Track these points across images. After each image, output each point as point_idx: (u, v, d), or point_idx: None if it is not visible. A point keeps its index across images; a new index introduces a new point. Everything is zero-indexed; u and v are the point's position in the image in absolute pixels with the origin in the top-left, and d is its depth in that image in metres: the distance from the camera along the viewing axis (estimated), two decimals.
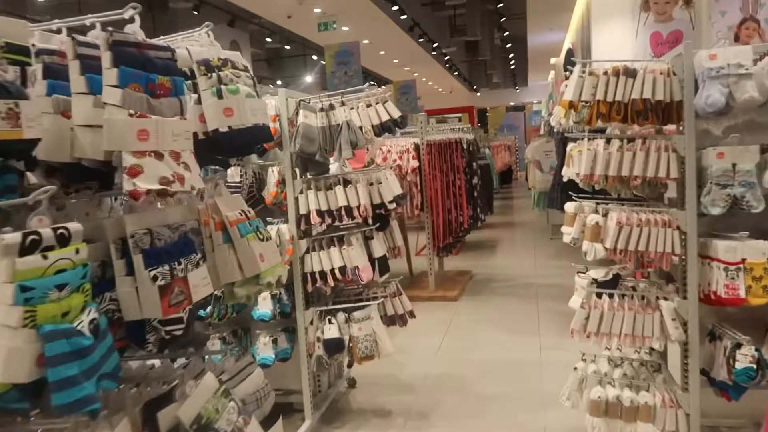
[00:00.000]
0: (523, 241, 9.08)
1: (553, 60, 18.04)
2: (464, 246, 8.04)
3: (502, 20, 13.30)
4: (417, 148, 6.04)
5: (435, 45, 14.08)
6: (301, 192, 3.23)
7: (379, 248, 3.40)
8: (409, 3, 12.20)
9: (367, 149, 6.72)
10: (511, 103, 26.00)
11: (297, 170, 3.24)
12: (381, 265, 3.41)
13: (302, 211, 3.22)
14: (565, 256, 8.22)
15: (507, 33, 14.52)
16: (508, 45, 16.33)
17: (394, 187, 3.45)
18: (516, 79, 23.05)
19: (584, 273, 3.30)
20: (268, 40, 13.15)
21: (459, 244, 6.57)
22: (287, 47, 13.64)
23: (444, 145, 6.06)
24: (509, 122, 23.70)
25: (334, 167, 4.96)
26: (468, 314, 5.50)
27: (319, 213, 3.19)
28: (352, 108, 3.38)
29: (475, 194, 6.35)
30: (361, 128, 3.30)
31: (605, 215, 2.86)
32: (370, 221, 3.35)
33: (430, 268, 6.16)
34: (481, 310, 5.58)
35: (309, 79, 16.63)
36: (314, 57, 14.01)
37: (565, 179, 3.29)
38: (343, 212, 3.18)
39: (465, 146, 6.20)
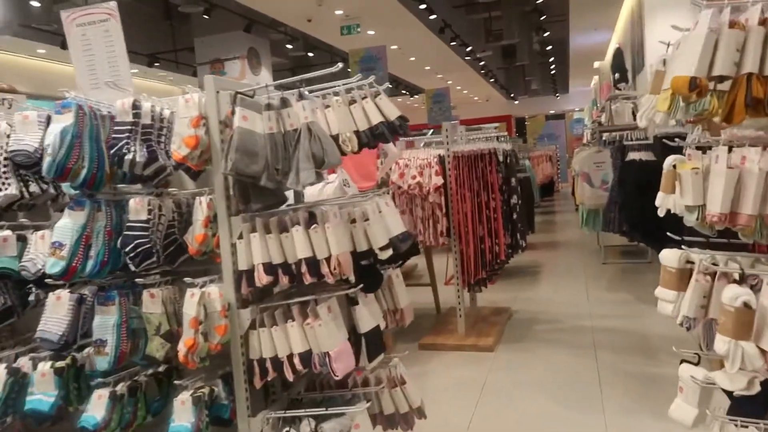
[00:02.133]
0: (571, 266, 7.69)
1: (596, 64, 16.59)
2: (501, 272, 6.75)
3: (541, 20, 11.95)
4: (442, 161, 4.80)
5: (469, 49, 12.81)
6: (241, 236, 2.03)
7: (367, 318, 2.17)
8: (439, 4, 10.99)
9: (380, 163, 5.51)
10: (551, 111, 24.43)
11: (234, 202, 2.05)
12: (371, 343, 2.18)
13: (243, 265, 2.02)
14: (623, 287, 6.82)
15: (547, 34, 13.14)
16: (548, 48, 14.93)
17: (391, 224, 2.21)
18: (556, 86, 21.53)
19: (695, 364, 1.99)
20: (289, 46, 12.11)
21: (495, 276, 5.31)
22: (311, 54, 12.57)
23: (475, 158, 4.80)
24: (549, 131, 22.14)
25: (329, 188, 3.78)
26: (507, 372, 4.20)
27: (269, 269, 1.99)
28: (328, 106, 2.18)
29: (515, 216, 5.06)
30: (335, 136, 2.10)
31: (757, 289, 1.56)
32: (351, 278, 2.13)
33: (459, 307, 4.89)
34: (523, 367, 4.28)
35: None
36: (340, 65, 12.90)
37: (662, 211, 2.01)
38: (304, 268, 1.97)
39: (501, 158, 4.92)
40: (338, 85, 2.16)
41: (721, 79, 1.49)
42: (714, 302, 1.69)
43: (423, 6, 9.57)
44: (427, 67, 15.67)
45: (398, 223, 2.26)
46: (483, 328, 5.05)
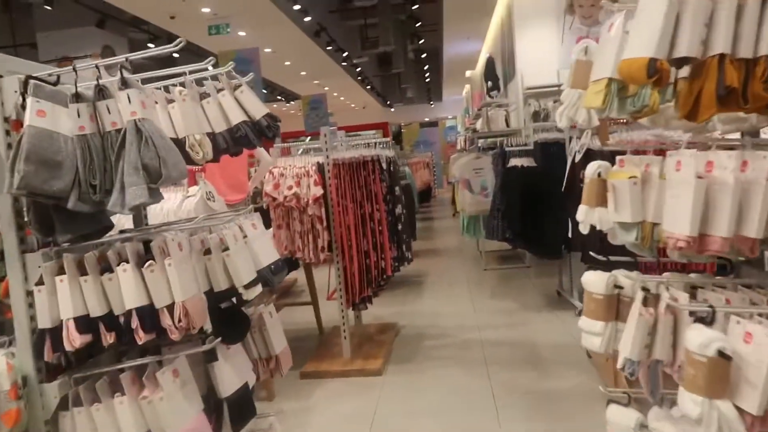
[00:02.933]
0: (454, 274, 7.53)
1: (468, 73, 16.96)
2: (390, 280, 6.40)
3: (416, 27, 11.89)
4: (321, 169, 4.32)
5: (345, 54, 12.47)
6: (42, 281, 1.43)
7: (230, 377, 1.64)
8: (314, 7, 10.54)
9: (252, 172, 4.94)
10: (426, 119, 24.85)
11: (29, 231, 1.45)
12: (236, 408, 1.65)
13: (45, 322, 1.42)
14: (506, 294, 6.70)
15: (422, 42, 13.15)
16: (423, 56, 15.00)
17: (261, 251, 1.70)
18: (430, 94, 21.89)
19: (625, 405, 1.68)
20: (151, 45, 11.05)
21: (380, 291, 4.94)
22: (176, 55, 11.58)
23: (357, 165, 4.38)
24: (424, 138, 22.45)
25: (189, 203, 3.19)
26: (399, 399, 3.80)
27: (85, 325, 1.41)
28: (171, 101, 1.63)
29: (400, 227, 4.71)
30: (182, 140, 1.56)
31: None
32: (207, 326, 1.60)
33: (343, 328, 4.44)
34: (415, 391, 3.91)
35: None
36: (211, 68, 12.00)
37: (584, 227, 1.67)
38: (136, 322, 1.41)
39: (385, 166, 4.55)
40: (184, 73, 1.62)
41: (680, 62, 1.17)
42: (661, 339, 1.37)
43: (297, 7, 9.06)
44: (303, 72, 15.16)
45: (269, 249, 1.76)
46: (370, 349, 4.64)
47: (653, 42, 1.13)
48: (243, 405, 1.67)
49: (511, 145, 5.49)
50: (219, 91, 1.65)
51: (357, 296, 4.32)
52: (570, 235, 3.71)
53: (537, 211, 5.13)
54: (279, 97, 17.30)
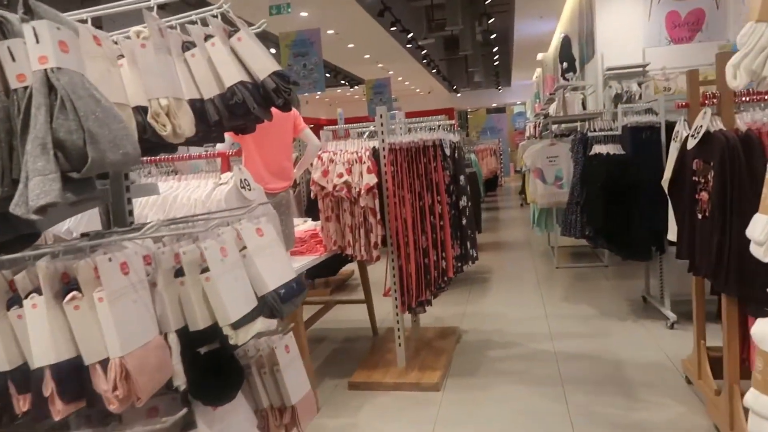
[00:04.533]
0: (522, 271, 6.84)
1: (540, 56, 15.94)
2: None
3: (486, 4, 11.09)
4: (376, 155, 3.77)
5: (410, 36, 11.83)
6: None
7: None
8: None
9: (296, 159, 4.43)
10: (493, 105, 23.86)
11: None
12: None
13: None
14: (581, 297, 5.91)
15: (491, 22, 12.32)
16: (492, 37, 14.13)
17: (268, 270, 1.17)
18: (499, 78, 20.87)
19: None
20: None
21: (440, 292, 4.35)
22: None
23: (417, 151, 3.80)
24: (491, 124, 21.56)
25: (220, 192, 2.74)
26: (458, 421, 3.22)
27: None
28: (121, 56, 1.11)
29: (464, 222, 4.10)
30: (142, 109, 1.03)
31: None
32: (180, 381, 1.09)
33: (398, 334, 3.90)
34: (477, 413, 3.32)
35: None
36: (272, 51, 11.67)
37: (765, 254, 1.04)
38: (51, 385, 0.90)
39: (448, 152, 3.94)
40: (150, 3, 1.08)
41: None
42: None
43: None
44: (367, 56, 14.63)
45: (281, 264, 1.23)
46: (427, 357, 4.08)
47: None
48: None
49: (595, 130, 4.74)
50: (207, 38, 1.13)
51: (414, 299, 3.76)
52: (672, 237, 3.01)
53: (624, 205, 4.39)
54: (342, 82, 16.85)
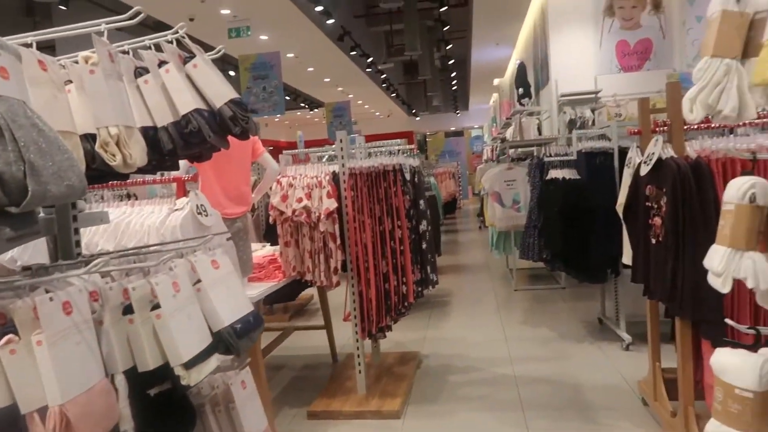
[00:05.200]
0: (482, 294, 6.88)
1: (496, 81, 16.32)
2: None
3: (444, 31, 11.31)
4: (336, 179, 3.75)
5: (370, 60, 11.94)
6: None
7: None
8: (338, 10, 10.03)
9: (255, 183, 4.36)
10: (452, 128, 24.23)
11: None
12: None
13: None
14: (540, 320, 5.93)
15: (449, 48, 12.56)
16: (450, 62, 14.40)
17: (224, 304, 1.12)
18: (457, 102, 21.24)
19: None
20: None
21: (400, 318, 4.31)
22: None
23: (377, 176, 3.79)
24: (450, 148, 21.84)
25: (175, 219, 2.65)
26: None
27: None
28: (69, 81, 1.05)
29: (424, 246, 4.10)
30: (90, 137, 0.98)
31: None
32: (127, 429, 1.02)
33: (357, 361, 3.84)
34: None
35: None
36: (231, 73, 11.57)
37: (724, 285, 1.05)
38: None
39: (408, 176, 3.95)
40: (100, 28, 1.04)
41: None
42: None
43: (320, 8, 8.55)
44: (327, 79, 14.68)
45: (236, 298, 1.18)
46: (388, 384, 4.03)
47: None
48: None
49: (550, 155, 4.84)
50: (161, 64, 1.09)
51: (374, 325, 3.71)
52: (626, 261, 3.07)
53: (580, 229, 4.47)
54: (302, 104, 16.84)
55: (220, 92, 1.13)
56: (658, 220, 2.59)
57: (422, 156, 14.97)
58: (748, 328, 1.06)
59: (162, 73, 1.11)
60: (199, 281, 1.14)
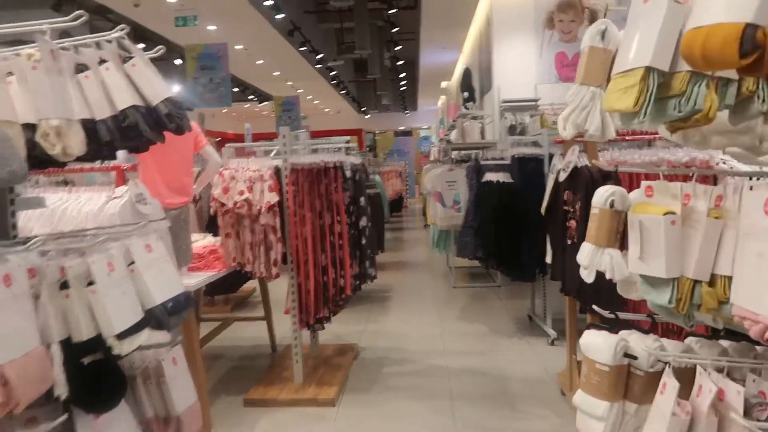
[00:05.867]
0: (422, 290, 7.10)
1: (444, 83, 16.65)
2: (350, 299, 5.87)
3: (393, 32, 11.49)
4: (278, 174, 3.85)
5: (320, 57, 12.00)
6: None
7: None
8: (288, 6, 10.05)
9: (199, 174, 4.41)
10: (401, 128, 24.50)
11: None
12: None
13: None
14: (475, 316, 6.24)
15: (398, 48, 12.75)
16: (399, 63, 14.61)
17: (153, 285, 1.23)
18: (405, 102, 21.51)
19: None
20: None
21: (338, 309, 4.45)
22: (142, 45, 10.94)
23: (318, 172, 3.91)
24: (398, 147, 22.12)
25: (113, 207, 2.70)
26: None
27: None
28: (10, 74, 1.14)
29: (364, 242, 4.24)
30: (31, 126, 1.08)
31: None
32: (61, 390, 1.12)
33: (295, 350, 3.96)
34: (370, 429, 3.45)
35: (175, 89, 13.87)
36: (177, 61, 11.39)
37: (589, 276, 1.24)
38: None
39: (349, 174, 4.09)
40: (43, 27, 1.13)
41: None
42: None
43: (270, 2, 8.57)
44: (276, 73, 14.63)
45: (170, 279, 1.29)
46: (325, 373, 4.16)
47: (753, 3, 0.69)
48: None
49: (487, 159, 5.08)
50: (101, 62, 1.18)
51: (312, 316, 3.84)
52: (548, 260, 3.30)
53: (512, 230, 4.72)
54: (251, 97, 16.71)
55: (157, 91, 1.23)
56: (573, 223, 2.82)
57: (370, 154, 15.13)
58: (610, 313, 1.25)
59: (102, 70, 1.20)
60: (133, 263, 1.24)
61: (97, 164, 3.49)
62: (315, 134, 12.26)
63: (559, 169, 3.05)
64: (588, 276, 1.23)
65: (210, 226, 5.25)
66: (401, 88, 18.50)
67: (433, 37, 11.60)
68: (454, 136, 10.05)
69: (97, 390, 1.16)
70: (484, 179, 4.97)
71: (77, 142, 1.13)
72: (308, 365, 4.25)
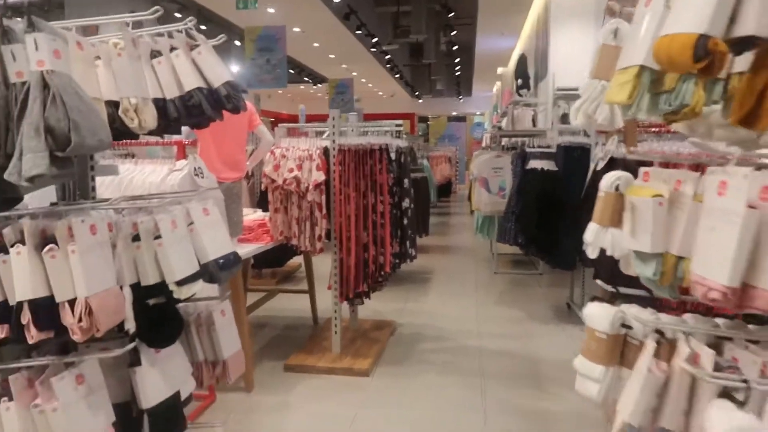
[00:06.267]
0: (463, 274, 7.22)
1: (500, 70, 16.49)
2: (392, 277, 6.07)
3: (449, 17, 11.50)
4: (326, 154, 4.05)
5: (375, 40, 12.13)
6: None
7: (156, 386, 1.38)
8: None
9: (252, 152, 4.67)
10: (454, 113, 24.41)
11: None
12: (161, 420, 1.40)
13: None
14: (513, 301, 6.37)
15: (454, 33, 12.75)
16: (455, 48, 14.59)
17: (208, 243, 1.44)
18: (460, 88, 21.41)
19: None
20: (178, 15, 10.84)
21: (380, 287, 4.65)
22: (203, 27, 11.34)
23: (364, 153, 4.09)
24: (451, 132, 22.08)
25: (174, 178, 2.95)
26: (382, 405, 3.54)
27: None
28: (98, 57, 1.36)
29: (405, 222, 4.42)
30: (114, 103, 1.29)
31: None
32: (131, 325, 1.34)
33: (335, 322, 4.19)
34: (400, 399, 3.64)
35: (233, 69, 14.30)
36: (237, 43, 11.76)
37: (593, 252, 1.38)
38: (27, 315, 1.16)
39: (393, 156, 4.25)
40: (126, 19, 1.34)
41: (741, 45, 0.86)
42: (672, 403, 1.07)
43: None
44: (332, 56, 14.86)
45: (222, 239, 1.50)
46: (362, 346, 4.38)
47: (706, 13, 0.81)
48: (170, 418, 1.42)
49: (533, 146, 5.14)
50: (172, 50, 1.39)
51: (352, 291, 4.05)
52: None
53: (553, 217, 4.79)
54: (306, 79, 17.03)
55: (219, 75, 1.43)
56: None
57: (420, 138, 15.20)
58: (612, 288, 1.38)
59: (172, 56, 1.41)
60: (191, 223, 1.45)
61: (159, 139, 3.77)
62: (368, 116, 12.46)
63: (599, 158, 3.13)
64: (592, 252, 1.37)
65: (261, 202, 5.54)
66: (456, 74, 18.43)
67: (491, 22, 11.54)
68: (505, 123, 10.06)
69: (159, 328, 1.38)
70: (528, 166, 5.05)
71: (151, 118, 1.35)
72: (346, 337, 4.47)
